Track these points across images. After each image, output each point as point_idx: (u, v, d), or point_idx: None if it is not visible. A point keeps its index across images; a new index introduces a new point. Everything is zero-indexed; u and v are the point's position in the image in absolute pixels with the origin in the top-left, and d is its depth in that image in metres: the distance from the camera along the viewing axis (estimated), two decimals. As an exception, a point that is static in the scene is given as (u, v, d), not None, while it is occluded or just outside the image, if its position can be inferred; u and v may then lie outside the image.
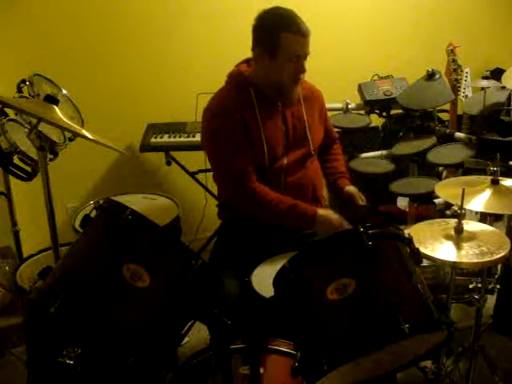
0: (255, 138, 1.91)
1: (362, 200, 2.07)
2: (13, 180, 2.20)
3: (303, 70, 1.88)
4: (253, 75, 1.94)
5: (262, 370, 1.38)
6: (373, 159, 2.78)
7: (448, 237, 1.65)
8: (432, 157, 2.55)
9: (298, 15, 1.86)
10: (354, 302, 1.22)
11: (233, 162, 1.89)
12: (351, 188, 2.10)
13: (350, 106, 2.81)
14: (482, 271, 1.82)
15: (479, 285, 1.80)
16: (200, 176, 2.94)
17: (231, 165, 1.89)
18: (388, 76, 2.93)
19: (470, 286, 1.84)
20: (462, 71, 2.80)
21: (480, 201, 1.75)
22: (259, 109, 1.92)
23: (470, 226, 1.70)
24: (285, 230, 1.97)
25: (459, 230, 1.64)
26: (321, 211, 1.89)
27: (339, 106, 2.80)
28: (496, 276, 2.24)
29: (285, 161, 1.97)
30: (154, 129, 2.90)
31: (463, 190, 1.61)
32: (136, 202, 2.34)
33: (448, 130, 2.73)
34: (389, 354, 1.29)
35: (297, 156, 2.00)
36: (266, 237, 1.94)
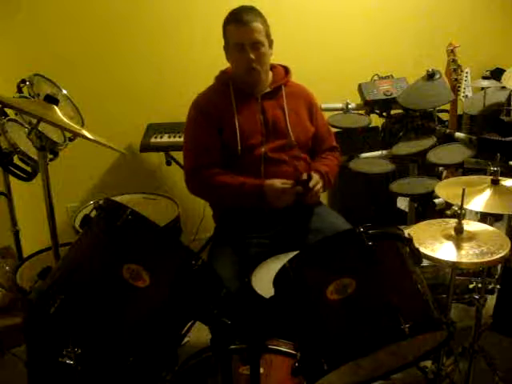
0: (228, 127, 2.00)
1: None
2: (13, 180, 2.20)
3: (250, 59, 1.95)
4: (232, 70, 2.08)
5: (261, 370, 1.38)
6: (373, 159, 2.77)
7: (448, 237, 1.65)
8: (432, 157, 2.54)
9: (248, 8, 1.97)
10: (353, 302, 1.22)
11: (190, 152, 2.06)
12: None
13: (349, 106, 2.80)
14: (482, 271, 1.82)
15: (479, 285, 1.80)
16: (200, 176, 2.93)
17: (190, 155, 2.06)
18: (388, 76, 2.93)
19: (470, 286, 1.84)
20: (462, 71, 2.79)
21: (480, 201, 1.75)
22: (236, 100, 2.03)
23: (470, 226, 1.70)
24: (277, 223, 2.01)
25: (459, 230, 1.64)
26: (267, 181, 1.96)
27: (339, 106, 2.80)
28: (496, 276, 2.24)
29: (262, 149, 2.02)
30: (153, 129, 2.90)
31: (463, 189, 1.61)
32: (136, 201, 2.34)
33: (448, 130, 2.73)
34: (389, 354, 1.29)
35: (276, 145, 2.04)
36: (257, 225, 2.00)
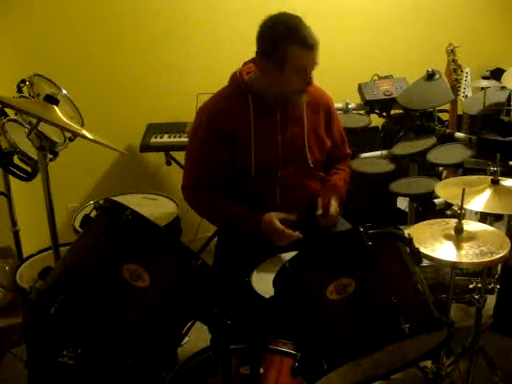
0: (242, 147, 1.85)
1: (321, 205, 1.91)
2: (13, 180, 2.20)
3: (311, 82, 1.80)
4: (254, 82, 1.86)
5: (262, 370, 1.38)
6: (373, 159, 2.78)
7: (448, 237, 1.65)
8: (432, 157, 2.55)
9: (303, 23, 1.75)
10: (353, 301, 1.22)
11: (192, 168, 1.91)
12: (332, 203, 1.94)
13: (349, 106, 2.81)
14: (482, 271, 1.82)
15: (479, 285, 1.80)
16: (200, 176, 2.93)
17: (194, 167, 1.91)
18: (388, 76, 2.93)
19: (470, 286, 1.83)
20: (461, 71, 2.79)
21: (480, 201, 1.75)
22: (255, 117, 1.85)
23: (470, 226, 1.70)
24: None
25: (459, 230, 1.64)
26: (265, 216, 1.83)
27: (339, 105, 2.80)
28: (496, 276, 2.24)
29: (279, 173, 1.90)
30: (153, 129, 2.91)
31: (463, 189, 1.61)
32: (136, 201, 2.34)
33: (448, 130, 2.73)
34: (389, 353, 1.29)
35: (293, 169, 1.92)
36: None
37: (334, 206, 1.92)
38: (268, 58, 1.76)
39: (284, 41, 1.71)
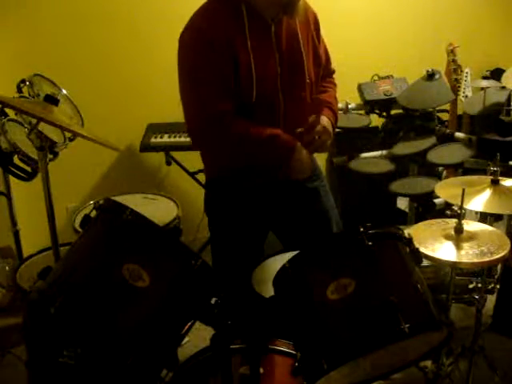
0: (243, 68, 1.59)
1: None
2: (13, 180, 2.20)
3: None
4: None
5: (261, 370, 1.38)
6: (373, 159, 2.78)
7: (448, 237, 1.65)
8: (432, 157, 2.55)
9: None
10: (353, 301, 1.22)
11: (206, 98, 1.59)
12: (322, 119, 1.74)
13: (350, 106, 2.81)
14: (482, 271, 1.82)
15: (479, 285, 1.80)
16: (200, 176, 2.94)
17: (204, 100, 1.60)
18: (388, 76, 2.94)
19: (470, 286, 1.84)
20: (461, 71, 2.80)
21: (480, 201, 1.75)
22: (250, 31, 1.59)
23: (470, 226, 1.71)
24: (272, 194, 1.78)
25: (459, 230, 1.64)
26: (299, 149, 1.66)
27: (339, 105, 2.79)
28: (496, 276, 2.24)
29: (280, 95, 1.67)
30: (153, 129, 2.91)
31: (463, 190, 1.61)
32: (136, 202, 2.34)
33: (448, 130, 2.73)
34: (389, 353, 1.29)
35: (293, 88, 1.69)
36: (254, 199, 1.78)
37: (323, 122, 1.72)
38: None
39: None
